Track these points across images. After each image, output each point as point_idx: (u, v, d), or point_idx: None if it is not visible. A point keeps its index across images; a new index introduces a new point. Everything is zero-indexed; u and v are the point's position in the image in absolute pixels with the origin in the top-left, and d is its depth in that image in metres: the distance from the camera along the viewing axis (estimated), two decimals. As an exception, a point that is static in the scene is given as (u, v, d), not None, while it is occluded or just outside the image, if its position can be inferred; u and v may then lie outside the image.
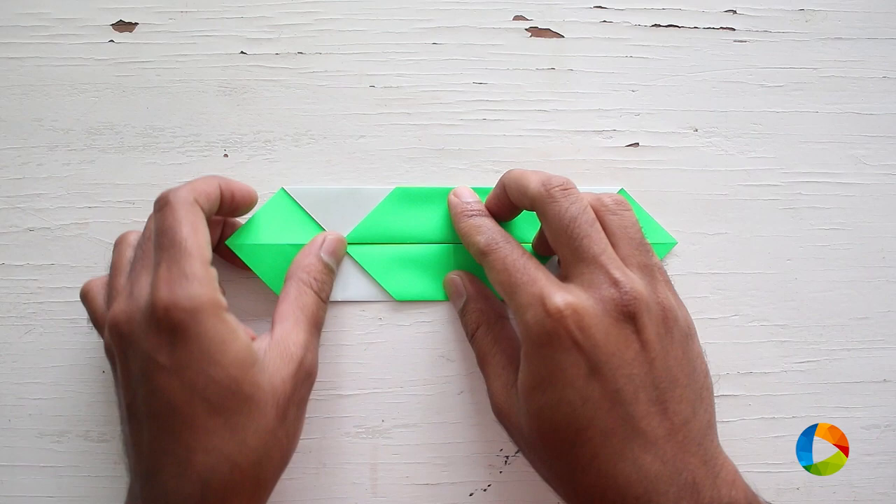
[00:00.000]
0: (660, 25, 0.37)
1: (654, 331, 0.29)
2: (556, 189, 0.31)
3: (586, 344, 0.28)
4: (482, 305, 0.34)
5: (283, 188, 0.35)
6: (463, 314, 0.35)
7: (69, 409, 0.35)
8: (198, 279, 0.27)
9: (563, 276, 0.30)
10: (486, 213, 0.34)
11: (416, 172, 0.36)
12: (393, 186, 0.36)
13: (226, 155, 0.36)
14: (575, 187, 0.31)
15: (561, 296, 0.28)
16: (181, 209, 0.29)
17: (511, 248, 0.31)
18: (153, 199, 0.35)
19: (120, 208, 0.35)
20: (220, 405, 0.27)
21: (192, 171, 0.35)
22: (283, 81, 0.36)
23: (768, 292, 0.36)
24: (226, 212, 0.32)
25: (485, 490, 0.35)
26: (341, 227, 0.35)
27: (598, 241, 0.30)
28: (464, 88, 0.36)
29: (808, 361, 0.36)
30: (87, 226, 0.35)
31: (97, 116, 0.36)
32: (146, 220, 0.31)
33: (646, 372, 0.28)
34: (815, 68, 0.37)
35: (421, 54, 0.36)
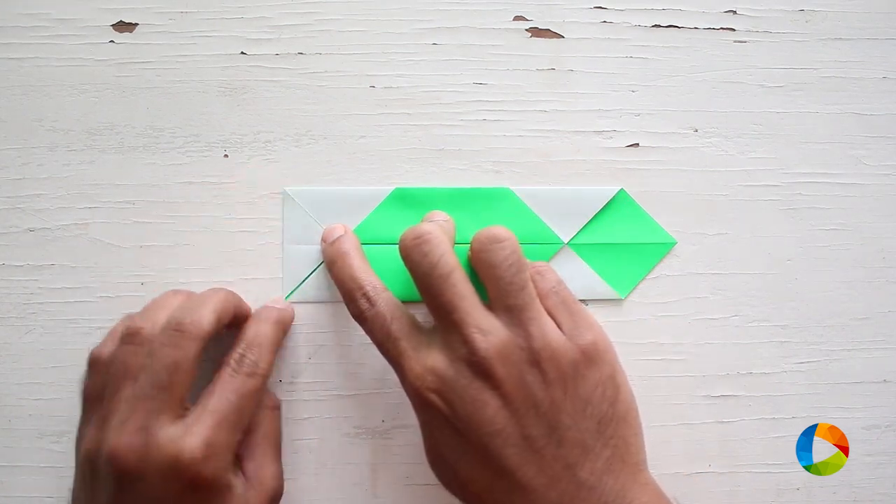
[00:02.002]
0: (660, 26, 0.37)
1: (515, 381, 0.28)
2: (409, 240, 0.30)
3: (446, 410, 0.28)
4: None
5: (285, 190, 0.35)
6: None
7: (69, 409, 0.35)
8: (222, 444, 0.28)
9: (435, 330, 0.30)
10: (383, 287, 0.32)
11: (416, 172, 0.36)
12: (393, 187, 0.36)
13: (226, 155, 0.36)
14: (432, 233, 0.29)
15: (420, 365, 0.29)
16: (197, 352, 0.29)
17: (382, 322, 0.30)
18: (153, 199, 0.35)
19: (120, 208, 0.35)
20: None
21: (192, 171, 0.35)
22: (283, 82, 0.36)
23: (768, 292, 0.36)
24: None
25: (485, 490, 0.35)
26: (341, 227, 0.35)
27: (451, 298, 0.29)
28: (464, 88, 0.36)
29: (808, 362, 0.36)
30: (87, 226, 0.35)
31: (97, 116, 0.36)
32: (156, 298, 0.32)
33: (512, 425, 0.28)
34: (815, 68, 0.37)
35: (421, 54, 0.36)
